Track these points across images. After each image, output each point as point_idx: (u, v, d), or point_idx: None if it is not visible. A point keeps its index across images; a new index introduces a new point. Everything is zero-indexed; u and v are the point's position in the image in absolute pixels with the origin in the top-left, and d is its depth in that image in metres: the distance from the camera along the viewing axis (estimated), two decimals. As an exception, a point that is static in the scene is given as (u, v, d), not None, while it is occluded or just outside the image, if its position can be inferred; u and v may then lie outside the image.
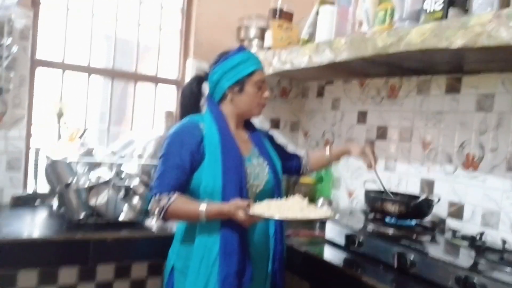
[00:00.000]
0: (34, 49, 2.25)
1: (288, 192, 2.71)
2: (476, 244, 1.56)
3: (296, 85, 2.96)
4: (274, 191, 1.60)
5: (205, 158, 1.48)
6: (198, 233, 1.49)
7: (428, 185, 2.09)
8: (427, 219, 1.93)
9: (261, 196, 1.55)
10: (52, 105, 2.30)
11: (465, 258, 1.50)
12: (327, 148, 1.86)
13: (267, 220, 1.49)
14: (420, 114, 2.16)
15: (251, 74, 1.57)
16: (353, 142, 2.51)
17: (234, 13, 2.63)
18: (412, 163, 2.17)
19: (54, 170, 1.86)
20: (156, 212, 1.43)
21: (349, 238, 1.76)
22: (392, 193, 2.05)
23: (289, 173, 1.94)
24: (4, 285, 2.09)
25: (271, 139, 1.83)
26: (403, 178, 2.21)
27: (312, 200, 2.56)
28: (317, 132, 2.82)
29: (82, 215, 1.86)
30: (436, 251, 1.57)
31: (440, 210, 2.00)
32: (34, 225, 1.91)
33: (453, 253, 1.60)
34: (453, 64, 1.88)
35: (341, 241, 1.81)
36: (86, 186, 1.84)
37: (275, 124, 2.90)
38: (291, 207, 1.41)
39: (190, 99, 1.67)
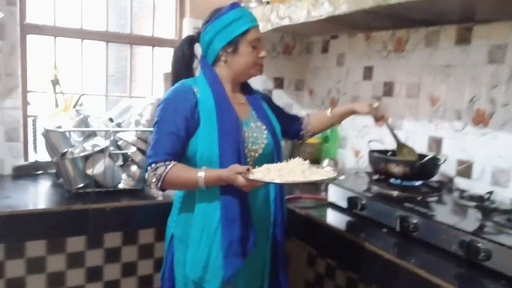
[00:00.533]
0: (23, 14, 2.17)
1: (293, 153, 2.66)
2: (484, 205, 1.49)
3: (300, 41, 2.83)
4: (273, 155, 1.55)
5: (200, 123, 1.43)
6: (197, 201, 1.46)
7: (436, 143, 2.00)
8: (434, 178, 1.86)
9: (260, 161, 1.50)
10: (47, 72, 2.24)
11: (471, 220, 1.44)
12: (329, 109, 1.78)
13: (267, 184, 1.44)
14: (428, 68, 2.03)
15: (245, 33, 1.49)
16: (358, 102, 2.41)
17: (231, -34, 2.47)
18: (419, 121, 2.07)
19: (48, 140, 1.82)
20: (153, 181, 1.39)
21: (352, 201, 1.71)
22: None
23: (289, 136, 1.88)
24: (13, 255, 2.13)
25: (269, 101, 1.76)
26: (410, 136, 2.12)
27: (318, 160, 2.50)
28: (322, 91, 2.72)
29: (80, 185, 1.84)
30: (440, 213, 1.51)
31: (448, 168, 1.93)
32: (35, 196, 1.90)
33: (459, 215, 1.53)
34: (463, 13, 1.74)
35: (344, 204, 1.75)
36: (81, 155, 1.80)
37: (279, 83, 2.80)
38: (292, 170, 1.34)
39: (182, 62, 1.59)
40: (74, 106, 2.06)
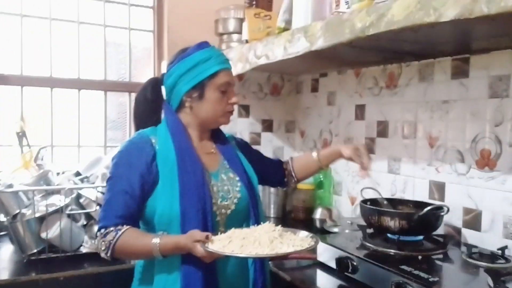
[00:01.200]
0: (-15, 63, 2.04)
1: (286, 201, 2.43)
2: (495, 267, 1.24)
3: (289, 80, 2.66)
4: (249, 211, 1.35)
5: (158, 179, 1.24)
6: (157, 271, 1.25)
7: (438, 188, 1.76)
8: (439, 231, 1.61)
9: (233, 219, 1.31)
10: (12, 124, 2.08)
11: (480, 289, 1.19)
12: (315, 151, 1.59)
13: (228, 257, 1.22)
14: (424, 104, 1.83)
15: (212, 76, 1.31)
16: (351, 143, 2.20)
17: (210, 5, 2.34)
18: (418, 163, 1.84)
19: (-2, 201, 1.63)
20: (102, 249, 1.20)
21: (341, 262, 1.46)
22: (395, 200, 1.75)
23: (272, 184, 1.70)
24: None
25: (245, 147, 1.57)
26: (409, 182, 1.88)
27: (312, 208, 2.27)
28: (314, 131, 2.52)
29: (34, 250, 1.62)
30: (444, 279, 1.26)
31: (454, 218, 1.68)
32: None
33: (466, 282, 1.27)
34: (457, 43, 1.55)
35: (334, 264, 1.51)
36: (34, 216, 1.60)
37: (268, 125, 2.61)
38: (258, 239, 1.15)
39: (145, 107, 1.41)
40: (35, 161, 1.88)
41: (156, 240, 1.16)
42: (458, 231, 1.67)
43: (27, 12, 2.14)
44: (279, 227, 1.22)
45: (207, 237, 1.12)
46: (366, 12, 1.29)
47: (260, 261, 1.33)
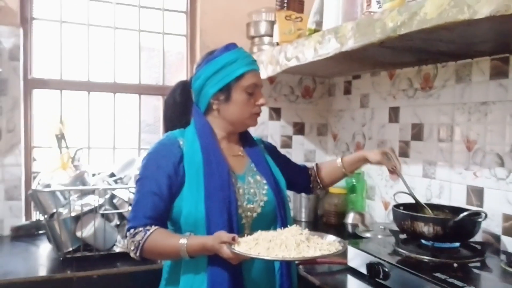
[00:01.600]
0: (26, 68, 2.12)
1: (318, 205, 2.40)
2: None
3: (321, 83, 2.63)
4: (276, 215, 1.34)
5: (185, 181, 1.25)
6: (183, 272, 1.26)
7: (476, 194, 1.69)
8: (477, 238, 1.54)
9: (259, 222, 1.30)
10: (52, 127, 2.16)
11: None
12: (339, 157, 1.56)
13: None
14: (461, 106, 1.76)
15: (239, 78, 1.31)
16: (385, 146, 2.15)
17: (242, 9, 2.36)
18: (455, 168, 1.78)
19: (36, 200, 1.69)
20: (131, 249, 1.21)
21: (372, 268, 1.42)
22: (431, 205, 1.69)
23: (297, 190, 1.67)
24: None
25: (273, 151, 1.56)
26: (445, 186, 1.82)
27: (344, 213, 2.23)
28: (346, 135, 2.48)
29: (69, 249, 1.67)
30: (479, 287, 1.20)
31: (492, 225, 1.61)
32: (24, 261, 1.73)
33: (504, 291, 1.21)
34: (496, 42, 1.48)
35: (365, 270, 1.47)
36: (70, 216, 1.65)
37: (299, 128, 2.59)
38: (284, 242, 1.14)
39: (174, 110, 1.43)
40: (72, 162, 1.94)
41: (183, 241, 1.16)
42: (497, 238, 1.60)
43: (66, 19, 2.22)
44: (306, 230, 1.20)
45: (233, 239, 1.12)
46: (397, 11, 1.26)
47: (287, 265, 1.32)
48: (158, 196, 1.23)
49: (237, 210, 1.25)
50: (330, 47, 1.57)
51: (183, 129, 1.38)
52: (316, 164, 1.63)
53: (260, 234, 1.18)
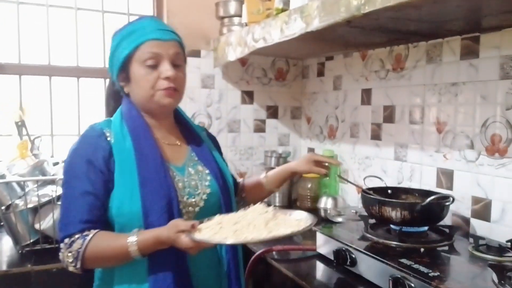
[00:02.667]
0: (-18, 52, 2.01)
1: (292, 190, 2.36)
2: (501, 262, 1.15)
3: (294, 65, 2.57)
4: (221, 207, 1.22)
5: (115, 170, 1.11)
6: (117, 282, 1.11)
7: (446, 176, 1.66)
8: (447, 221, 1.53)
9: (202, 216, 1.15)
10: (11, 114, 2.06)
11: (483, 286, 1.10)
12: (264, 173, 1.47)
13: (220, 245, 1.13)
14: (432, 87, 1.72)
15: (134, 52, 1.14)
16: (357, 129, 2.11)
17: (210, -12, 2.27)
18: (425, 150, 1.75)
19: (-10, 191, 1.61)
20: (70, 262, 1.05)
21: (339, 254, 1.39)
22: (401, 189, 1.67)
23: None
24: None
25: (215, 141, 1.43)
26: (416, 169, 1.79)
27: (317, 197, 2.20)
28: (320, 117, 2.43)
29: (28, 241, 1.60)
30: (446, 274, 1.17)
31: (462, 208, 1.59)
32: None
33: (469, 277, 1.18)
34: (466, 21, 1.44)
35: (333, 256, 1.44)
36: (26, 208, 1.58)
37: (273, 112, 2.53)
38: (252, 223, 1.05)
39: (115, 95, 1.27)
40: (32, 150, 1.85)
41: (132, 239, 1.02)
42: (466, 221, 1.58)
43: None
44: (271, 207, 1.13)
45: (193, 226, 1.01)
46: (362, -12, 1.20)
47: (233, 251, 1.22)
48: (93, 195, 1.08)
49: (178, 207, 1.11)
50: (296, 27, 1.51)
51: (109, 118, 1.23)
52: (243, 180, 1.51)
53: (222, 218, 1.09)
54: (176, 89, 1.17)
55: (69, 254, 1.05)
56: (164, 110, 1.21)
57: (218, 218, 1.10)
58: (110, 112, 1.27)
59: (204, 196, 1.19)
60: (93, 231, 1.06)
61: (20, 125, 2.00)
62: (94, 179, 1.09)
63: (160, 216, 1.07)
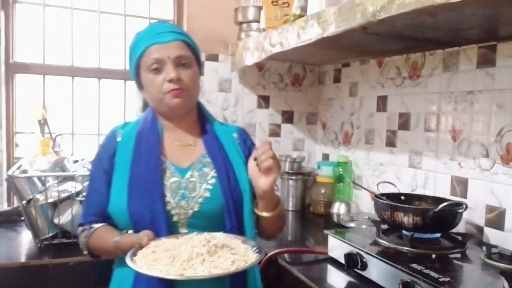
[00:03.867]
0: (8, 52, 2.08)
1: (305, 195, 2.37)
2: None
3: (311, 71, 2.59)
4: (223, 214, 1.17)
5: (115, 169, 1.19)
6: (116, 264, 1.26)
7: (460, 184, 1.66)
8: (460, 229, 1.52)
9: (198, 221, 1.16)
10: (34, 112, 2.13)
11: (494, 292, 1.10)
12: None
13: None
14: (447, 95, 1.72)
15: (140, 58, 1.20)
16: (372, 135, 2.12)
17: (230, -7, 2.32)
18: (440, 158, 1.75)
19: (12, 186, 1.66)
20: (81, 248, 1.23)
21: (350, 258, 1.40)
22: (414, 195, 1.67)
23: None
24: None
25: (246, 146, 1.34)
26: (430, 177, 1.79)
27: (330, 202, 2.20)
28: (335, 123, 2.44)
29: (47, 235, 1.65)
30: (456, 280, 1.17)
31: (476, 216, 1.58)
32: (3, 248, 1.68)
33: (479, 284, 1.18)
34: (483, 29, 1.44)
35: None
36: (46, 202, 1.62)
37: (288, 117, 2.56)
38: (188, 252, 0.96)
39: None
40: (53, 148, 1.91)
41: (117, 239, 1.11)
42: (480, 229, 1.57)
43: (49, 2, 2.18)
44: (215, 238, 1.03)
45: (140, 246, 1.01)
46: (378, -5, 1.22)
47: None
48: (99, 192, 1.19)
49: (163, 206, 1.12)
50: (312, 33, 1.53)
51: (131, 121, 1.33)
52: None
53: (162, 242, 1.03)
54: (183, 89, 1.19)
55: (80, 241, 1.22)
56: (175, 111, 1.23)
57: (159, 241, 1.04)
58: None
59: (200, 200, 1.17)
60: (98, 225, 1.17)
61: (43, 123, 2.07)
62: (100, 178, 1.19)
63: (143, 216, 1.11)
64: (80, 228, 1.21)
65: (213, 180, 1.19)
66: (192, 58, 1.23)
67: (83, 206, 1.24)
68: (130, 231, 1.14)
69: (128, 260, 0.97)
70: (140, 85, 1.25)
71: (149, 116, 1.25)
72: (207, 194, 1.17)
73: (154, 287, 1.05)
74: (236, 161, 1.24)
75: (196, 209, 1.16)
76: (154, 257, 0.97)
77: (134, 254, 1.01)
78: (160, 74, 1.17)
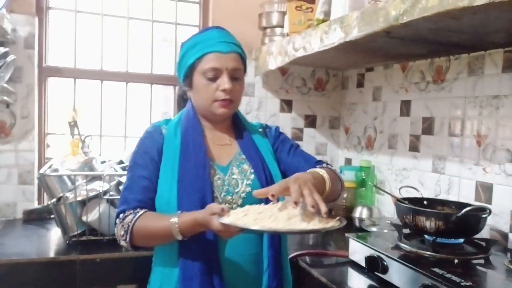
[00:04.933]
0: (41, 57, 2.17)
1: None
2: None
3: (334, 75, 2.60)
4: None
5: (162, 162, 1.25)
6: (155, 265, 1.28)
7: (485, 190, 1.64)
8: (484, 235, 1.50)
9: None
10: (65, 114, 2.21)
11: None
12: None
13: (244, 232, 1.10)
14: (473, 100, 1.71)
15: (198, 62, 1.24)
16: (395, 140, 2.10)
17: (255, 0, 2.35)
18: (464, 163, 1.73)
19: (44, 184, 1.73)
20: (121, 234, 1.18)
21: (371, 261, 1.40)
22: (437, 201, 1.66)
23: None
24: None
25: (276, 137, 1.43)
26: (454, 182, 1.77)
27: (352, 207, 2.20)
28: (358, 128, 2.44)
29: (75, 232, 1.71)
30: (477, 284, 1.16)
31: (501, 222, 1.56)
32: (32, 244, 1.76)
33: (504, 289, 1.17)
34: (509, 32, 1.43)
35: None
36: (75, 200, 1.69)
37: (311, 121, 2.57)
38: (274, 214, 1.05)
39: (182, 100, 1.43)
40: (82, 148, 1.98)
41: (174, 219, 1.11)
42: (505, 236, 1.55)
43: (81, 8, 2.26)
44: (300, 204, 1.07)
45: (222, 210, 1.05)
46: (401, 0, 1.22)
47: (276, 249, 1.24)
48: (148, 179, 1.22)
49: (212, 201, 1.18)
50: (335, 37, 1.55)
51: (170, 118, 1.39)
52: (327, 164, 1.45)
53: (250, 207, 1.10)
54: (232, 100, 1.27)
55: (121, 227, 1.17)
56: (218, 118, 1.31)
57: (247, 207, 1.11)
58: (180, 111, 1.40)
59: (243, 195, 1.25)
60: (144, 210, 1.18)
61: (73, 125, 2.15)
62: (150, 167, 1.23)
63: (192, 209, 1.14)
64: (121, 215, 1.18)
65: (252, 176, 1.27)
66: (243, 71, 1.32)
67: (125, 194, 1.21)
68: (179, 212, 1.14)
69: (224, 219, 1.02)
70: (189, 85, 1.30)
71: (190, 114, 1.31)
72: (249, 189, 1.25)
73: (206, 284, 1.12)
74: (267, 156, 1.33)
75: (239, 203, 1.23)
76: (249, 218, 1.03)
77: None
78: (214, 82, 1.24)
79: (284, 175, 1.32)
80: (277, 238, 1.27)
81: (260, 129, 1.43)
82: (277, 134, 1.44)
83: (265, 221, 1.02)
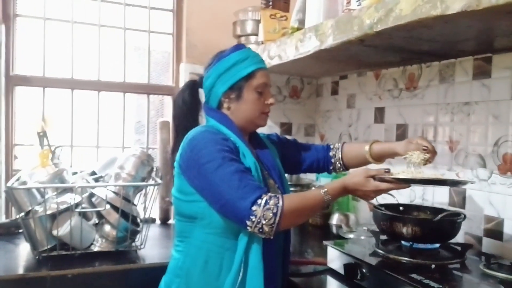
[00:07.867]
0: (8, 65, 2.10)
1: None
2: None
3: (308, 83, 2.61)
4: None
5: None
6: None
7: (459, 195, 1.67)
8: (459, 240, 1.52)
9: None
10: (34, 125, 2.13)
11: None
12: (367, 144, 1.54)
13: (402, 187, 1.30)
14: (444, 107, 1.74)
15: (249, 77, 1.32)
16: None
17: (228, 7, 2.34)
18: (438, 169, 1.76)
19: (11, 198, 1.66)
20: (269, 218, 1.11)
21: (350, 269, 1.40)
22: (412, 206, 1.68)
23: (315, 171, 1.65)
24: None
25: (279, 144, 1.59)
26: (429, 188, 1.80)
27: (328, 215, 2.20)
28: (333, 135, 2.46)
29: (45, 247, 1.64)
30: (456, 289, 1.18)
31: (474, 227, 1.59)
32: (1, 260, 1.69)
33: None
34: (479, 41, 1.47)
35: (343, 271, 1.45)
36: (45, 214, 1.62)
37: (287, 128, 2.57)
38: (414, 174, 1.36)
39: (183, 109, 1.41)
40: (52, 160, 1.91)
41: (323, 190, 1.22)
42: (479, 240, 1.58)
43: (50, 15, 2.20)
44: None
45: (387, 170, 1.29)
46: (374, 8, 1.24)
47: (288, 242, 1.39)
48: (248, 173, 1.21)
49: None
50: (310, 45, 1.55)
51: (201, 126, 1.35)
52: (343, 144, 1.61)
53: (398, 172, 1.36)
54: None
55: (267, 211, 1.11)
56: (256, 128, 1.42)
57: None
58: (177, 126, 1.40)
59: None
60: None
61: (42, 136, 2.07)
62: (240, 163, 1.22)
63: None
64: (259, 200, 1.11)
65: (279, 191, 1.36)
66: None
67: (240, 186, 1.13)
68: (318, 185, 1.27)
69: (387, 178, 1.27)
70: (237, 97, 1.32)
71: (230, 124, 1.32)
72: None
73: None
74: (281, 169, 1.45)
75: None
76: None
77: None
78: (262, 96, 1.34)
79: (300, 165, 1.60)
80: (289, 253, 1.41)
81: (267, 141, 1.52)
82: (277, 140, 1.62)
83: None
